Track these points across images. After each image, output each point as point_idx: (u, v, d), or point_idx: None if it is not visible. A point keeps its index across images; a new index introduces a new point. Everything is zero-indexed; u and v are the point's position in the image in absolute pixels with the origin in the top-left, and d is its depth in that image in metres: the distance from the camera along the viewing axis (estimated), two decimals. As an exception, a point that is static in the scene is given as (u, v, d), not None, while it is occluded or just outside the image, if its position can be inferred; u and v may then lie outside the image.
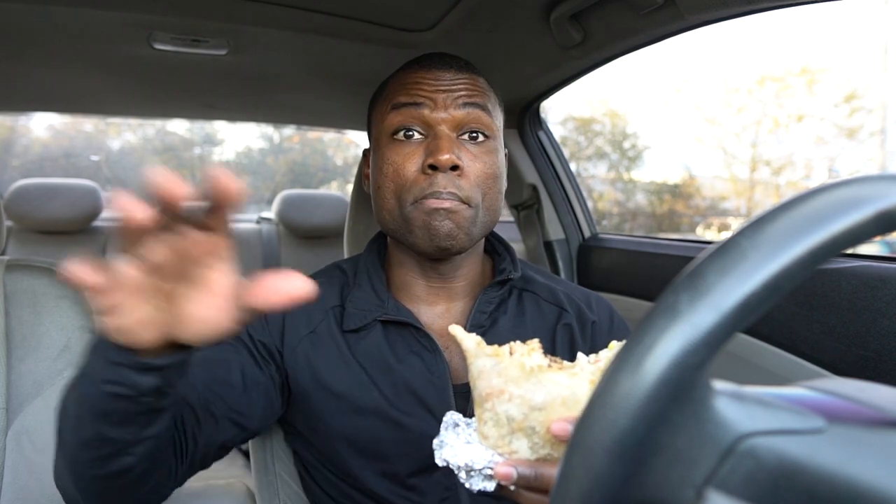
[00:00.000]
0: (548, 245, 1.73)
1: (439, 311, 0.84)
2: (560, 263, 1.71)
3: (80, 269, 0.42)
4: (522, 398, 0.49)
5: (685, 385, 0.28)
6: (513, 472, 0.48)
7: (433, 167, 0.75)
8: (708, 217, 11.05)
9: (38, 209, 2.21)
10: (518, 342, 0.52)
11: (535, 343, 0.52)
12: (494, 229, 0.93)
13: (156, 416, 0.54)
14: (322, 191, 2.70)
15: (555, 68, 1.34)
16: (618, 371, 0.28)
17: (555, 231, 1.73)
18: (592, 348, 0.84)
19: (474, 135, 0.79)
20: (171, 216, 0.42)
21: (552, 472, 0.47)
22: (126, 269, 0.43)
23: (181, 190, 0.40)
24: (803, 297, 0.99)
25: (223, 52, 1.29)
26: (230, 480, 0.95)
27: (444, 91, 0.78)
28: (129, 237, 0.43)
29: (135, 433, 0.54)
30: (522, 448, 0.50)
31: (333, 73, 1.46)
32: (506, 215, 1.99)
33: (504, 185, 0.84)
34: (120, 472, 0.56)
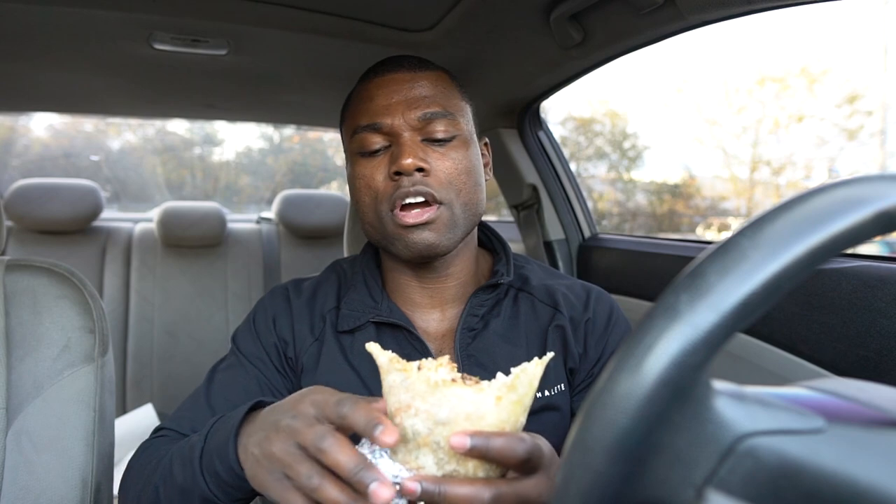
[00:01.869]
0: (548, 245, 1.73)
1: (435, 315, 0.84)
2: (560, 263, 1.71)
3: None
4: (428, 413, 0.49)
5: (685, 385, 0.28)
6: (417, 487, 0.48)
7: (398, 173, 0.75)
8: (708, 217, 11.05)
9: (38, 209, 2.21)
10: (429, 359, 0.53)
11: (444, 359, 0.52)
12: (495, 228, 0.93)
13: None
14: (322, 191, 2.69)
15: (555, 68, 1.34)
16: (618, 371, 0.28)
17: (555, 231, 1.73)
18: (585, 347, 0.84)
19: (441, 132, 0.79)
20: None
21: (457, 489, 0.47)
22: None
23: None
24: (803, 297, 0.99)
25: (223, 52, 1.29)
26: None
27: (401, 98, 0.78)
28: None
29: None
30: (428, 463, 0.50)
31: (334, 74, 1.46)
32: (506, 215, 1.99)
33: (480, 177, 0.83)
34: None
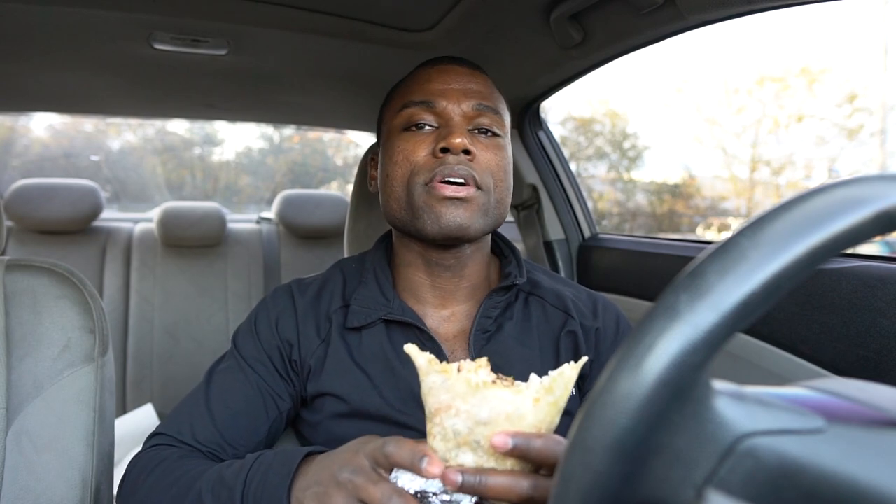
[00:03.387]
0: (548, 245, 1.73)
1: (445, 315, 0.84)
2: (560, 263, 1.71)
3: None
4: (468, 413, 0.51)
5: (685, 385, 0.27)
6: (458, 477, 0.50)
7: (445, 150, 0.76)
8: (708, 217, 11.04)
9: (38, 209, 2.21)
10: (467, 360, 0.54)
11: (482, 361, 0.54)
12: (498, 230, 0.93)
13: None
14: (322, 191, 2.69)
15: (555, 68, 1.34)
16: (618, 371, 0.28)
17: (555, 231, 1.73)
18: (597, 355, 0.84)
19: (485, 130, 0.81)
20: None
21: (497, 479, 0.50)
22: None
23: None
24: (803, 297, 0.99)
25: (223, 52, 1.29)
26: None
27: (457, 88, 0.81)
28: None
29: None
30: (468, 461, 0.52)
31: (333, 73, 1.46)
32: (506, 215, 1.94)
33: (511, 183, 0.85)
34: None
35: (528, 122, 1.67)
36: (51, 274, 0.86)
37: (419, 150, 0.79)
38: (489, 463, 0.51)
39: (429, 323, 0.82)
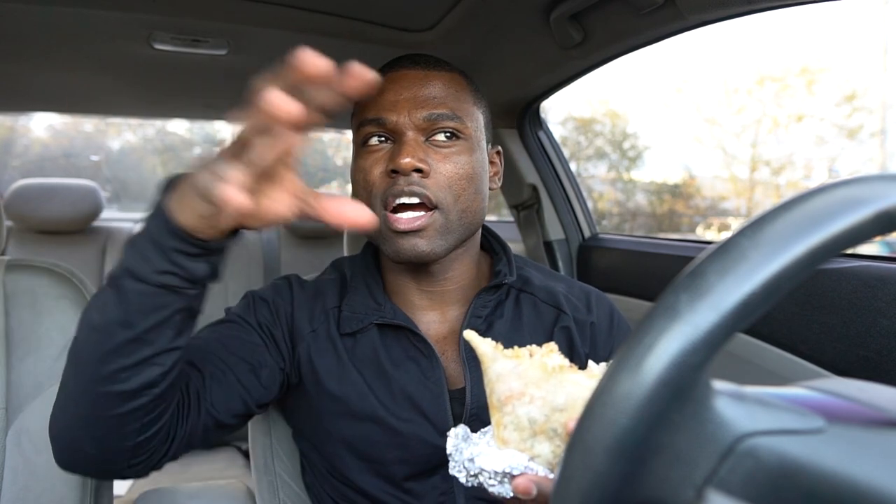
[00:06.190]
0: (548, 245, 1.73)
1: (435, 317, 0.83)
2: (560, 263, 1.71)
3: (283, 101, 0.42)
4: (544, 399, 0.48)
5: (685, 385, 0.28)
6: (532, 486, 0.48)
7: (395, 171, 0.74)
8: (708, 217, 11.05)
9: (38, 209, 2.21)
10: (535, 345, 0.52)
11: (552, 345, 0.52)
12: (494, 229, 0.93)
13: (190, 322, 0.59)
14: (322, 191, 2.68)
15: (555, 68, 1.34)
16: (618, 371, 0.28)
17: (555, 231, 1.73)
18: (592, 349, 0.84)
19: (447, 134, 0.77)
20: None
21: None
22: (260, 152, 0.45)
23: (323, 67, 0.43)
24: (803, 297, 0.99)
25: (223, 52, 1.29)
26: (230, 480, 0.95)
27: (410, 96, 0.77)
28: (257, 128, 0.44)
29: (170, 338, 0.56)
30: (545, 451, 0.49)
31: (333, 73, 1.46)
32: (506, 215, 1.98)
33: (484, 185, 0.81)
34: (142, 388, 0.56)
35: (528, 122, 1.67)
36: (51, 274, 0.86)
37: (374, 169, 0.76)
38: None
39: (420, 325, 0.82)
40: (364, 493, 0.78)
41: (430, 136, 0.77)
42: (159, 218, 0.52)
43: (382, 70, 0.81)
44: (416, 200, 0.74)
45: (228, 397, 0.71)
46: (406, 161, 0.73)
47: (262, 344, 0.78)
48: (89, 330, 0.56)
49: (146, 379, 0.56)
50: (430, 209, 0.74)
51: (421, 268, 0.81)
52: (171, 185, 0.54)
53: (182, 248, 0.52)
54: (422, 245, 0.74)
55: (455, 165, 0.76)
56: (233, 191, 0.44)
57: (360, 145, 0.79)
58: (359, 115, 0.80)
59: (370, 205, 0.76)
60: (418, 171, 0.74)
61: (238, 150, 0.46)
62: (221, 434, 0.73)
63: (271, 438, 0.93)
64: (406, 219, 0.73)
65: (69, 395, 0.59)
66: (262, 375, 0.75)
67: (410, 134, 0.76)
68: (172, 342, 0.57)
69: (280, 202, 0.50)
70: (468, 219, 0.78)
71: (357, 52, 1.34)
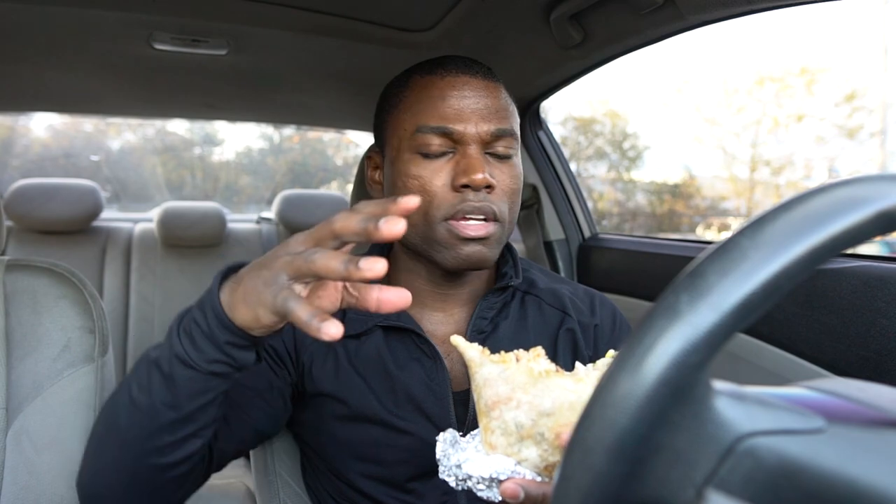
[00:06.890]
0: (548, 245, 1.73)
1: (441, 318, 0.83)
2: (560, 263, 1.71)
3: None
4: (531, 404, 0.48)
5: (685, 385, 0.27)
6: (520, 491, 0.49)
7: (466, 186, 0.73)
8: (708, 217, 11.05)
9: (38, 209, 2.21)
10: (522, 350, 0.52)
11: (539, 350, 0.52)
12: None
13: (226, 398, 0.62)
14: (322, 191, 2.69)
15: (555, 68, 1.34)
16: (618, 371, 0.28)
17: (555, 231, 1.73)
18: (595, 352, 0.84)
19: (502, 150, 0.77)
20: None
21: None
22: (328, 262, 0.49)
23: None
24: (803, 297, 0.99)
25: (223, 52, 1.29)
26: (230, 480, 0.95)
27: (476, 107, 0.76)
28: (324, 241, 0.51)
29: (213, 416, 0.60)
30: (532, 455, 0.49)
31: (333, 73, 1.46)
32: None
33: (520, 197, 0.82)
34: (183, 459, 0.61)
35: (528, 122, 1.67)
36: (51, 274, 0.86)
37: (435, 181, 0.75)
38: (555, 456, 0.49)
39: (425, 326, 0.82)
40: (365, 494, 0.77)
41: (490, 151, 0.77)
42: (213, 312, 0.55)
43: (433, 70, 0.78)
44: (482, 217, 0.75)
45: (242, 437, 0.75)
46: (480, 177, 0.73)
47: (267, 366, 0.79)
48: (133, 409, 0.59)
49: (188, 452, 0.61)
50: (494, 222, 0.76)
51: (457, 273, 0.81)
52: (226, 276, 0.58)
53: (234, 342, 0.55)
54: (485, 252, 0.75)
55: (512, 181, 0.78)
56: (331, 326, 0.48)
57: (416, 152, 0.76)
58: (412, 117, 0.77)
59: (428, 214, 0.75)
60: (488, 186, 0.74)
61: (293, 260, 0.50)
62: (239, 456, 0.78)
63: (271, 439, 0.93)
64: (475, 226, 0.74)
65: (107, 465, 0.63)
66: (273, 400, 0.78)
67: (475, 147, 0.75)
68: (213, 418, 0.61)
69: (327, 299, 0.55)
70: (511, 227, 0.80)
71: (357, 52, 1.34)
